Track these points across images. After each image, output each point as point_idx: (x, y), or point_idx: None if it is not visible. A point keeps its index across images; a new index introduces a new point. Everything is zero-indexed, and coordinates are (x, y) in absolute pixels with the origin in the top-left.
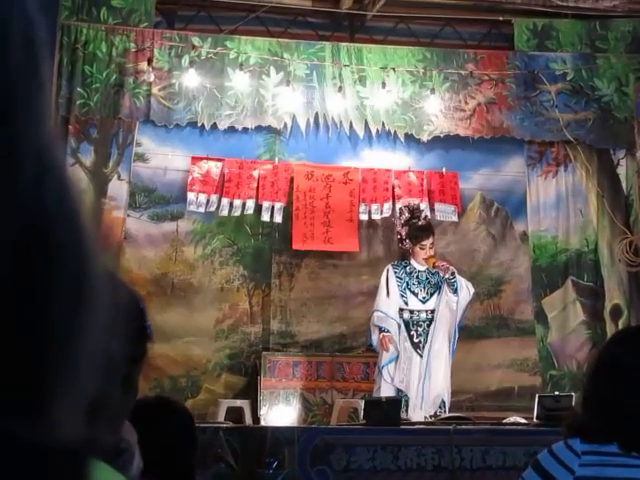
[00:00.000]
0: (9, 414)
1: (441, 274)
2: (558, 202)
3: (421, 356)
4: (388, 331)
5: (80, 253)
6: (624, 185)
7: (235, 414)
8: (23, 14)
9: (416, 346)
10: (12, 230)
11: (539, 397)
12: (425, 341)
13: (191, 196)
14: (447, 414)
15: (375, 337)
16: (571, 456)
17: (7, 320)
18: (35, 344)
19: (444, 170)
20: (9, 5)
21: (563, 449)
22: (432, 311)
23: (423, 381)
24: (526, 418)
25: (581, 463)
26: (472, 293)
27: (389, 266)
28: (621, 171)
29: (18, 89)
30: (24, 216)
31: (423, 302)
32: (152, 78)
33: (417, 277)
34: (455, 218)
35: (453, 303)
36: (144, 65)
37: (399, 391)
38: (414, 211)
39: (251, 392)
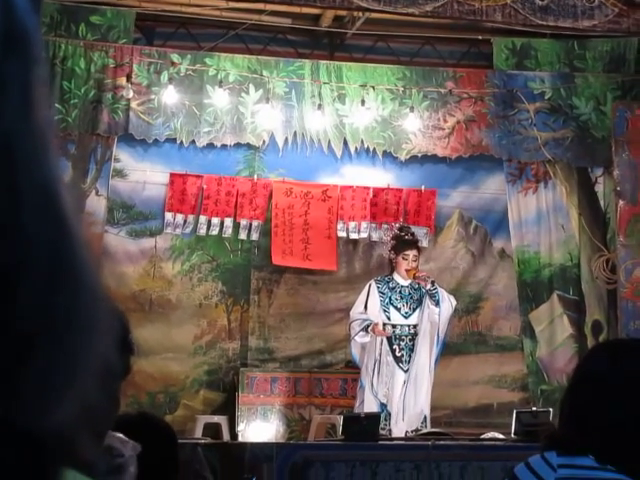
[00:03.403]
0: None
1: (422, 284)
2: (539, 218)
3: (404, 370)
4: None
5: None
6: (602, 203)
7: (213, 430)
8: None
9: (398, 360)
10: None
11: (517, 413)
12: (407, 355)
13: (168, 217)
14: (428, 429)
15: (356, 350)
16: (547, 470)
17: None
18: (5, 330)
19: (423, 188)
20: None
21: (539, 462)
22: (415, 326)
23: (406, 395)
24: (505, 434)
25: (557, 477)
26: (454, 305)
27: (372, 281)
28: (599, 189)
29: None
30: None
31: (406, 317)
32: (131, 94)
33: (400, 292)
34: (425, 243)
35: (435, 315)
36: (123, 81)
37: (382, 405)
38: (403, 228)
39: (229, 408)
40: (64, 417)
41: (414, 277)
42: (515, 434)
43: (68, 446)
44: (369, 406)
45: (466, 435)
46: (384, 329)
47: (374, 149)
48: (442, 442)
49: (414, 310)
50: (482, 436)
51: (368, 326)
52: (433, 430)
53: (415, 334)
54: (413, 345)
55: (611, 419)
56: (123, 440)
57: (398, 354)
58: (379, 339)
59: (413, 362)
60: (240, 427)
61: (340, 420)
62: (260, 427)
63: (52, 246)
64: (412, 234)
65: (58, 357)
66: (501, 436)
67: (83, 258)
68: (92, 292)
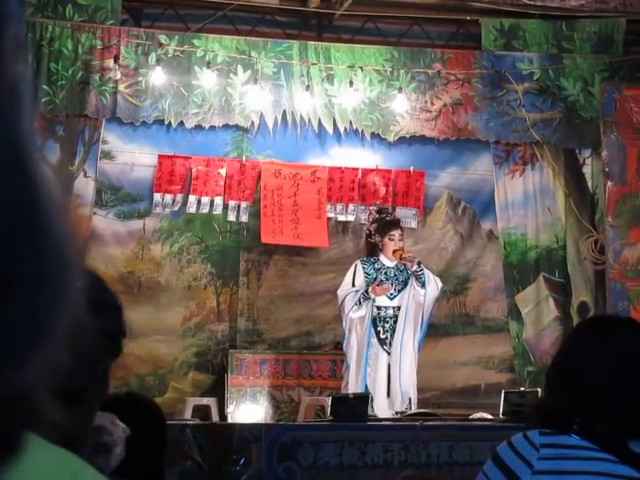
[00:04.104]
0: None
1: (408, 265)
2: (526, 200)
3: (388, 352)
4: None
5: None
6: (590, 184)
7: (202, 412)
8: None
9: (382, 342)
10: None
11: (505, 393)
12: (391, 337)
13: (157, 197)
14: (413, 410)
15: (348, 330)
16: (530, 449)
17: None
18: None
19: (411, 169)
20: None
21: (522, 441)
22: (399, 307)
23: (391, 377)
24: (493, 415)
25: (540, 457)
26: (440, 287)
27: (358, 262)
28: (587, 170)
29: None
30: None
31: (390, 298)
32: (118, 76)
33: (385, 273)
34: (414, 224)
35: (420, 296)
36: (110, 62)
37: (367, 387)
38: (382, 210)
39: (218, 390)
40: (29, 378)
41: (400, 258)
42: (503, 414)
43: (33, 409)
44: (354, 388)
45: (454, 416)
46: (379, 285)
47: (362, 130)
48: (430, 423)
49: (399, 292)
50: (470, 416)
51: (366, 292)
52: (421, 411)
53: (400, 316)
54: (397, 327)
55: (599, 393)
56: (114, 421)
57: (382, 336)
58: (366, 320)
59: (397, 344)
60: (229, 409)
61: (329, 401)
62: (249, 409)
63: (18, 201)
64: (392, 214)
65: (23, 315)
66: (489, 416)
67: (52, 216)
68: (61, 251)
